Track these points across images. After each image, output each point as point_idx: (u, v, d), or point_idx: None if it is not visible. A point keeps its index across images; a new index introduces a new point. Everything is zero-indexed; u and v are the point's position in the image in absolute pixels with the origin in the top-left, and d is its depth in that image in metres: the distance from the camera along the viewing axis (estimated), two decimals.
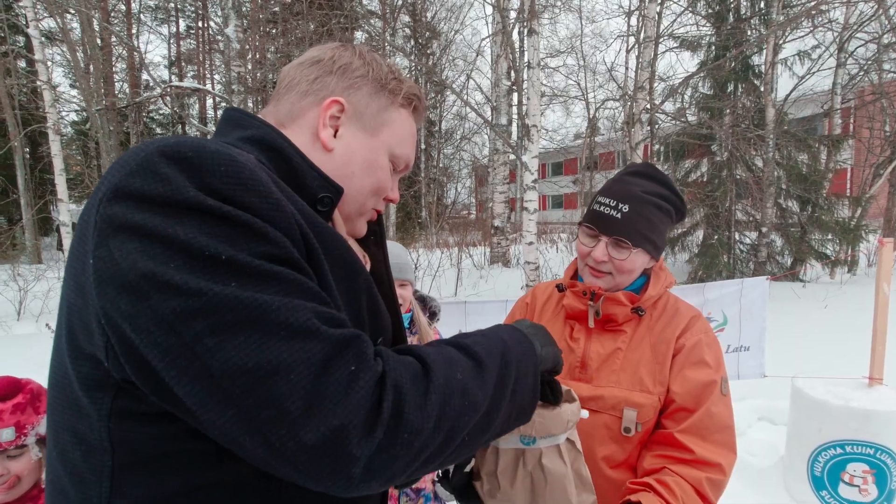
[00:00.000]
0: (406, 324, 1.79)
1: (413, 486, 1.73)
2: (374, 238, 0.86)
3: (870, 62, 10.29)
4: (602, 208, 1.14)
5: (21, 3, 7.37)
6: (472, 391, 0.59)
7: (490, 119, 10.91)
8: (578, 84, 14.85)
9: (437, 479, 1.84)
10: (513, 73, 10.45)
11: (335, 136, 0.74)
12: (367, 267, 0.80)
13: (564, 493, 0.88)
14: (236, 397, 0.47)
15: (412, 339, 1.80)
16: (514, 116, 13.72)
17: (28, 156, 16.32)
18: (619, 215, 1.12)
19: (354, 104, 0.75)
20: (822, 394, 2.72)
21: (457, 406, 0.57)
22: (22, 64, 15.24)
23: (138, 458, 0.55)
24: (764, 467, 3.13)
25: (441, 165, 21.22)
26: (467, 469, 1.06)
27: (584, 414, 0.94)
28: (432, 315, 1.94)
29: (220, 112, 18.82)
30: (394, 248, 1.79)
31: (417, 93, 0.82)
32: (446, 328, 3.28)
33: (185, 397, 0.49)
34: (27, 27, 7.80)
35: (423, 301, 1.93)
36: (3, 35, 11.63)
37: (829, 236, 9.40)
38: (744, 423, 3.73)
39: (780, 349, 4.72)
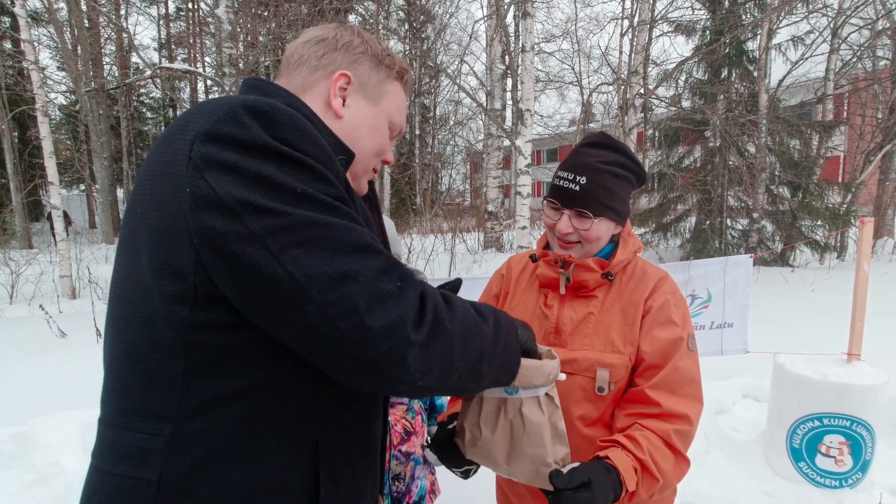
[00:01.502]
0: None
1: (403, 450, 1.78)
2: (370, 202, 0.95)
3: (863, 48, 10.31)
4: (561, 182, 1.18)
5: None
6: (480, 325, 0.72)
7: (484, 104, 10.86)
8: (573, 69, 14.79)
9: (426, 444, 1.89)
10: (507, 58, 10.37)
11: (344, 104, 0.85)
12: None
13: (541, 441, 0.94)
14: (315, 296, 0.59)
15: None
16: (509, 102, 13.66)
17: (16, 139, 16.10)
18: (577, 188, 1.15)
19: (359, 77, 0.86)
20: (802, 369, 2.80)
21: (472, 328, 0.70)
22: (7, 45, 14.95)
23: (207, 364, 0.66)
24: (746, 441, 3.22)
25: (435, 151, 21.13)
26: (450, 426, 1.11)
27: (562, 376, 1.00)
28: None
29: (211, 95, 18.61)
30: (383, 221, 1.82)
31: (407, 67, 0.93)
32: None
33: (269, 300, 0.61)
34: (13, 6, 7.65)
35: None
36: None
37: (819, 222, 9.50)
38: (728, 401, 3.81)
39: (766, 330, 4.80)
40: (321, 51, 0.85)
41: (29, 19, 7.76)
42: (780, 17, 9.75)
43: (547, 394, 0.96)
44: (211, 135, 0.62)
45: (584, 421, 1.17)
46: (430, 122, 21.15)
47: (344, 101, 0.85)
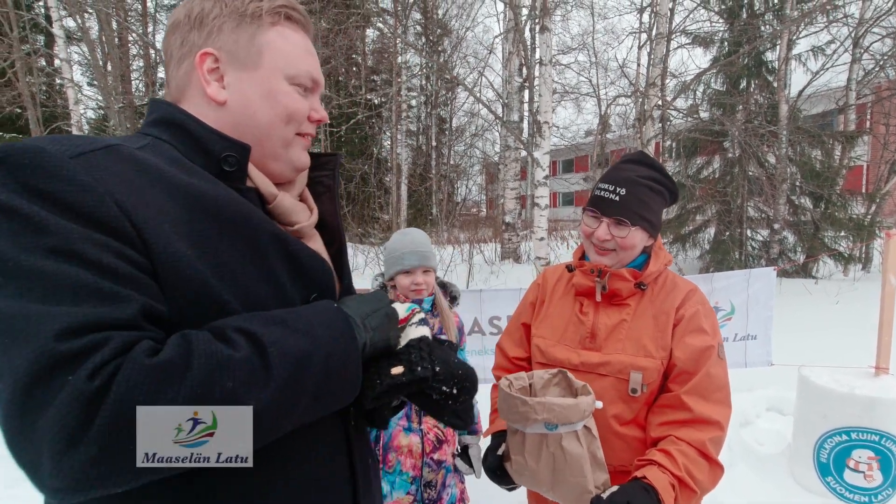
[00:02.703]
0: (428, 307, 1.89)
1: (435, 458, 1.84)
2: (329, 194, 0.88)
3: (886, 57, 10.18)
4: (602, 193, 1.28)
5: (48, 4, 7.57)
6: (243, 398, 0.56)
7: (501, 116, 10.98)
8: (590, 81, 14.84)
9: (456, 452, 1.95)
10: (524, 70, 10.50)
11: (223, 87, 0.74)
12: (314, 219, 0.82)
13: (581, 471, 1.04)
14: None
15: (434, 322, 1.90)
16: (526, 113, 13.77)
17: None
18: (617, 198, 1.25)
19: (224, 48, 0.73)
20: (827, 382, 2.79)
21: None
22: (41, 62, 15.55)
23: None
24: (771, 454, 3.19)
25: (452, 162, 21.31)
26: (499, 452, 1.21)
27: (599, 404, 1.09)
28: (452, 299, 2.04)
29: None
30: (417, 235, 1.90)
31: (283, 2, 0.77)
32: (463, 315, 3.41)
33: None
34: (51, 26, 8.01)
35: (444, 286, 2.03)
36: (24, 34, 11.92)
37: (843, 233, 9.35)
38: (752, 413, 3.79)
39: (789, 342, 4.75)
40: (179, 38, 0.74)
41: (65, 38, 8.11)
42: (800, 29, 9.70)
43: (585, 426, 1.06)
44: None
45: (618, 420, 1.23)
46: (447, 133, 21.36)
47: (222, 82, 0.74)
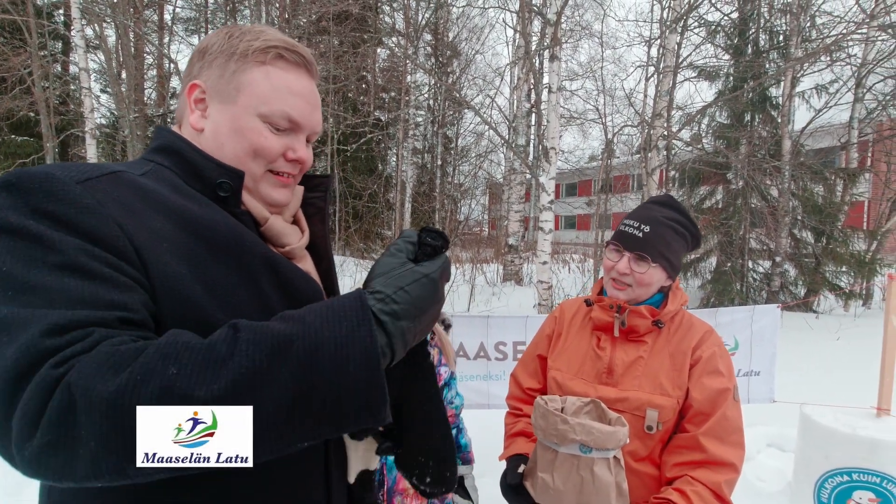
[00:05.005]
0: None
1: (439, 497, 1.84)
2: (319, 215, 0.91)
3: (888, 97, 10.37)
4: (627, 228, 1.33)
5: (71, 14, 7.75)
6: (183, 386, 0.52)
7: (508, 139, 11.13)
8: (596, 108, 15.06)
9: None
10: (533, 95, 10.68)
11: (205, 117, 0.79)
12: (304, 240, 0.85)
13: (608, 499, 1.07)
14: None
15: (432, 351, 1.92)
16: (532, 137, 13.94)
17: (58, 158, 16.85)
18: (640, 234, 1.30)
19: (210, 81, 0.78)
20: (830, 421, 2.80)
21: (149, 398, 0.52)
22: (57, 68, 15.81)
23: None
24: (772, 492, 3.19)
25: (456, 182, 21.49)
26: (520, 470, 1.23)
27: (627, 440, 1.13)
28: (446, 327, 2.07)
29: None
30: None
31: (276, 44, 0.78)
32: (469, 340, 3.44)
33: None
34: (70, 33, 8.18)
35: None
36: (43, 41, 12.15)
37: (844, 269, 9.41)
38: (753, 449, 3.78)
39: (790, 378, 4.76)
40: (189, 66, 0.81)
41: (84, 48, 8.28)
42: (804, 68, 9.88)
43: (615, 457, 1.09)
44: None
45: (633, 456, 1.26)
46: (452, 153, 21.59)
47: (206, 111, 0.79)
